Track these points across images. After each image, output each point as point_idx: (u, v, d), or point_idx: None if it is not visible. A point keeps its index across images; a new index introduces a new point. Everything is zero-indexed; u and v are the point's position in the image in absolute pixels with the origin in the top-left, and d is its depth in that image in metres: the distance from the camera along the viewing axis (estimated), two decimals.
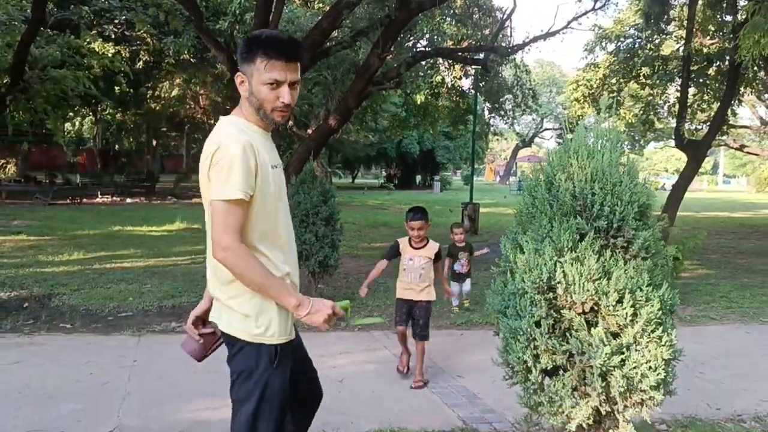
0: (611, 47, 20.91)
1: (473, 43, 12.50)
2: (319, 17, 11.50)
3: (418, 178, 52.37)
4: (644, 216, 2.72)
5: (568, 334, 2.59)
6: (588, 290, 2.56)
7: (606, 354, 2.52)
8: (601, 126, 2.89)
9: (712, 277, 10.90)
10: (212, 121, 29.65)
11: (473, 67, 15.06)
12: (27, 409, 4.34)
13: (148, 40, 21.69)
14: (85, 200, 24.04)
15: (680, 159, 76.10)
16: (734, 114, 23.99)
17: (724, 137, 27.86)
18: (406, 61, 11.04)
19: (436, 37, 14.24)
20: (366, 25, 10.29)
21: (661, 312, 2.60)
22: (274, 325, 2.35)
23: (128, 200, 25.35)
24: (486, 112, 25.07)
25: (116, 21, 21.17)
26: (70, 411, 4.28)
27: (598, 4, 12.13)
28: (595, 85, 22.64)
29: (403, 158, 47.62)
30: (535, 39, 13.32)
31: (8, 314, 6.93)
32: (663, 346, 2.56)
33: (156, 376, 5.03)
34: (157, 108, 29.43)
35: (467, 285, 7.54)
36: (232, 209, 2.25)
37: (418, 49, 12.72)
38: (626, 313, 2.55)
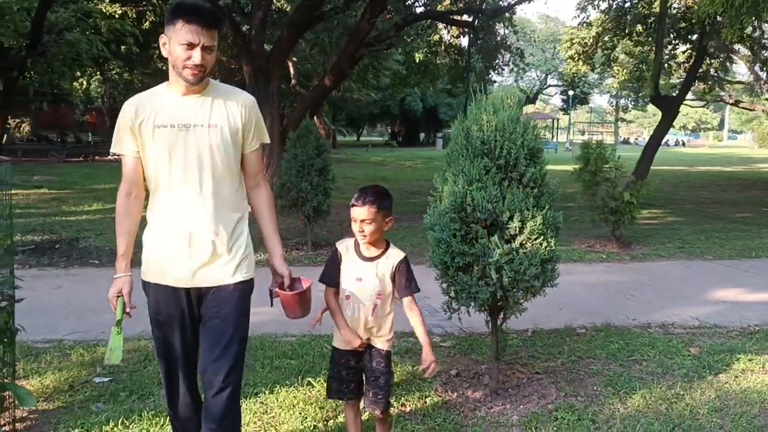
0: (603, 5, 21.49)
1: (461, 5, 13.23)
2: None
3: (422, 135, 53.04)
4: (534, 157, 3.68)
5: (474, 241, 3.59)
6: (488, 209, 3.54)
7: (499, 254, 3.51)
8: (507, 90, 3.81)
9: (679, 223, 11.88)
10: (217, 80, 30.35)
11: (461, 28, 15.80)
12: (72, 318, 5.43)
13: (154, 0, 22.39)
14: (97, 157, 25.05)
15: (686, 115, 76.10)
16: (726, 70, 24.60)
17: (722, 93, 28.45)
18: (396, 23, 11.85)
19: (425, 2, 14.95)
20: None
21: (543, 226, 3.58)
22: (144, 264, 2.67)
23: None
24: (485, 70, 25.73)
25: None
26: (108, 319, 5.34)
27: None
28: (589, 43, 23.24)
29: (407, 116, 48.27)
30: (520, 1, 14.05)
31: (44, 253, 8.01)
32: (542, 249, 3.56)
33: None
34: (164, 67, 30.11)
35: None
36: (122, 161, 2.68)
37: (409, 12, 13.47)
38: (515, 227, 3.54)
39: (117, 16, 19.57)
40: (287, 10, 18.03)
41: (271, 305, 2.80)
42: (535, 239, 3.57)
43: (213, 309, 2.61)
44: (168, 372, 2.75)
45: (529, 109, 71.44)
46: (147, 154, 2.58)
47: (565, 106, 62.89)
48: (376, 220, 2.88)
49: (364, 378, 3.04)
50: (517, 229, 3.55)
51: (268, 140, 2.78)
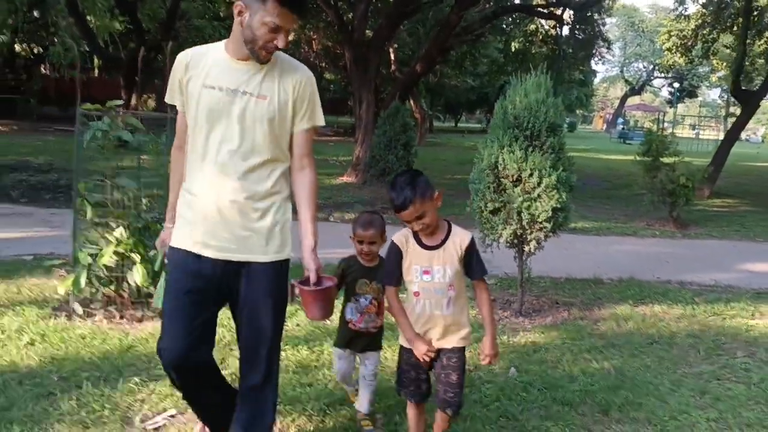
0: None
1: None
2: None
3: None
4: (554, 130, 4.82)
5: (503, 191, 4.79)
6: (514, 167, 4.72)
7: (520, 201, 4.70)
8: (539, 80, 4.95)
9: (748, 212, 12.38)
10: (323, 64, 32.21)
11: (548, 21, 16.65)
12: None
13: None
14: None
15: None
16: None
17: None
18: (486, 15, 12.94)
19: None
20: None
21: (557, 182, 4.72)
22: (176, 231, 2.55)
23: None
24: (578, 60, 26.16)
25: None
26: None
27: None
28: (688, 35, 23.23)
29: None
30: None
31: None
32: (553, 200, 4.70)
33: None
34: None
35: (370, 365, 3.27)
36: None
37: (499, 5, 14.48)
38: (535, 181, 4.70)
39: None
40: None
41: (290, 300, 2.60)
42: (550, 192, 4.73)
43: (245, 289, 2.49)
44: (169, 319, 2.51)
45: (634, 100, 69.81)
46: (190, 112, 2.47)
47: (671, 98, 61.17)
48: (426, 209, 2.59)
49: (438, 379, 2.78)
50: (536, 184, 4.72)
51: (321, 123, 2.58)
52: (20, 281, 5.25)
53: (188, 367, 2.47)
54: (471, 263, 2.68)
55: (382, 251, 2.99)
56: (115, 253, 4.40)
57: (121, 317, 4.57)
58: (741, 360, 4.42)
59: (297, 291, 2.53)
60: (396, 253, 2.69)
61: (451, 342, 2.72)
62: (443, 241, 2.67)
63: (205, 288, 2.47)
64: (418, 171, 2.70)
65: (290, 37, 2.48)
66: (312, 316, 2.56)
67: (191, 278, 2.46)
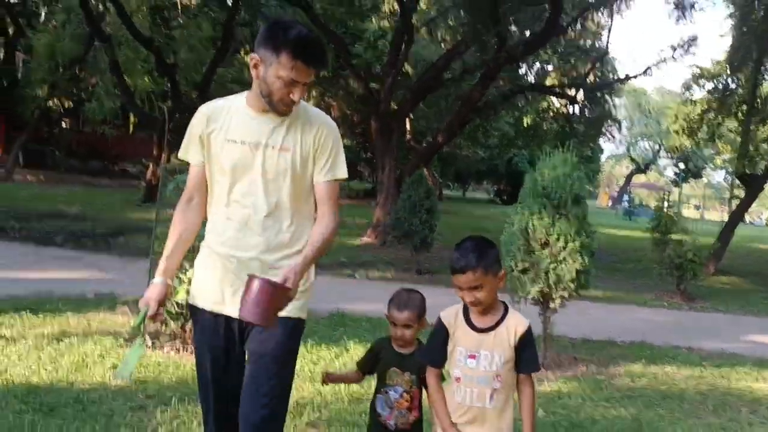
0: (709, 86, 22.49)
1: (565, 80, 15.04)
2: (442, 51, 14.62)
3: None
4: (578, 200, 5.43)
5: (532, 253, 5.35)
6: (543, 233, 5.30)
7: (547, 263, 5.25)
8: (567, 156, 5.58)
9: (751, 290, 12.87)
10: (341, 131, 33.32)
11: (561, 100, 17.61)
12: None
13: None
14: None
15: None
16: None
17: None
18: (504, 93, 13.82)
19: (536, 72, 16.81)
20: (471, 65, 13.34)
21: (580, 247, 5.29)
22: (195, 286, 2.50)
23: None
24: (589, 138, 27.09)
25: None
26: None
27: (677, 53, 14.36)
28: (694, 119, 24.16)
29: (513, 175, 49.52)
30: (620, 80, 15.71)
31: None
32: (577, 263, 5.26)
33: None
34: None
35: None
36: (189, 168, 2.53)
37: (518, 83, 15.43)
38: (561, 246, 5.28)
39: None
40: (409, 73, 20.46)
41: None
42: (574, 255, 5.30)
43: (256, 345, 2.38)
44: (208, 409, 2.50)
45: (640, 178, 70.93)
46: (212, 166, 2.43)
47: (676, 179, 62.32)
48: (486, 282, 2.34)
49: None
50: (562, 248, 5.29)
51: (344, 175, 2.50)
52: (89, 315, 5.79)
53: None
54: (522, 354, 2.39)
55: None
56: (187, 291, 4.92)
57: (186, 350, 5.07)
58: (746, 416, 4.86)
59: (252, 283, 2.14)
60: (442, 332, 2.43)
61: None
62: (496, 325, 2.39)
63: (227, 349, 2.43)
64: (491, 241, 2.46)
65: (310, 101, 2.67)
66: (244, 314, 2.13)
67: (219, 348, 2.43)
